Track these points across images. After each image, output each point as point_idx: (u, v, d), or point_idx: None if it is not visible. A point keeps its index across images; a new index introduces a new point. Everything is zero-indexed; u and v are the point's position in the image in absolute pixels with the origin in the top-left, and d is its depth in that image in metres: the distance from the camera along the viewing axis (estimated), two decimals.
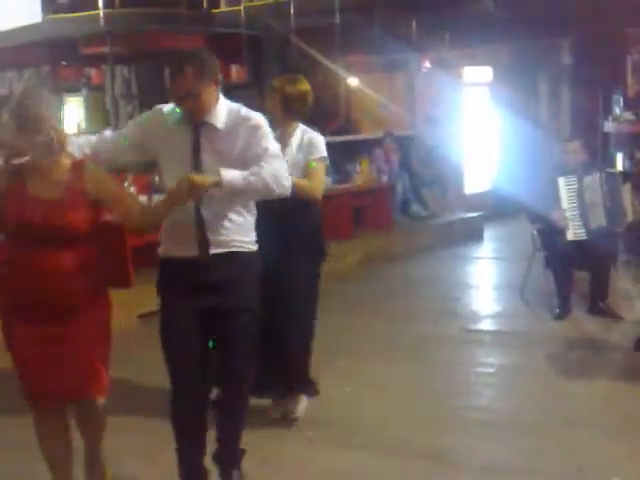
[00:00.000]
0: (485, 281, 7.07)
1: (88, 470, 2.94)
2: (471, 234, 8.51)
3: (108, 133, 3.08)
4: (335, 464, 3.37)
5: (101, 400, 2.80)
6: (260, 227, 2.98)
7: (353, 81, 9.75)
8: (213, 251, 2.81)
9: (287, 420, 3.74)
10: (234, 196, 2.79)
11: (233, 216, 2.84)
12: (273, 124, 3.29)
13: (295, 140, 3.64)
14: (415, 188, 8.53)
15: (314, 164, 3.62)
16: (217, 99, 2.83)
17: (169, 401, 2.90)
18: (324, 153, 3.68)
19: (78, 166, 2.71)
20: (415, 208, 8.49)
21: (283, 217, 3.47)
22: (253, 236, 2.94)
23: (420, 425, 3.70)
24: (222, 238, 2.83)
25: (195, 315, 2.82)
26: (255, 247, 2.94)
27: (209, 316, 2.83)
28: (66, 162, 2.70)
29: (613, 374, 4.32)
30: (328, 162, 3.78)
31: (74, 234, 2.66)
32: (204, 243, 2.81)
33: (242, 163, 2.78)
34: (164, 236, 2.91)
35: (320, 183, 3.66)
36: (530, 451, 3.38)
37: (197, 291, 2.81)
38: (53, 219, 2.62)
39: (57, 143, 2.63)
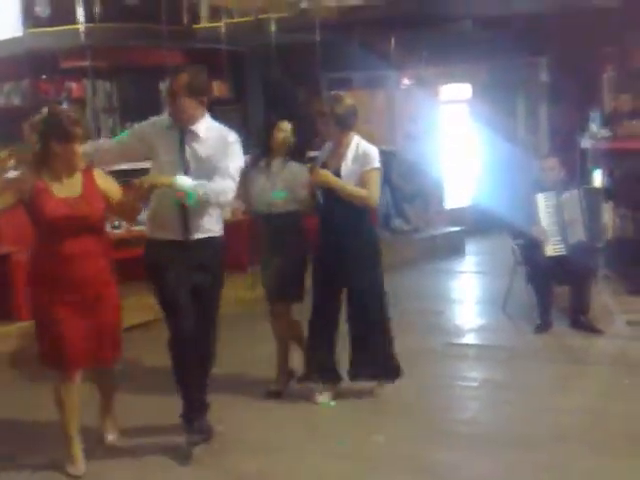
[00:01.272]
0: (468, 295, 7.14)
1: (104, 418, 3.71)
2: (453, 248, 8.59)
3: (105, 141, 3.83)
4: (320, 473, 3.38)
5: (117, 366, 3.68)
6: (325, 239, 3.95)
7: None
8: (196, 236, 3.47)
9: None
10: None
11: (210, 210, 3.49)
12: (328, 141, 4.10)
13: (350, 153, 3.97)
14: (397, 203, 8.59)
15: (368, 174, 3.94)
16: (203, 115, 3.50)
17: (170, 345, 3.54)
18: (377, 164, 3.99)
19: (88, 169, 3.41)
20: (397, 223, 8.54)
21: (347, 223, 3.97)
22: (221, 223, 3.61)
23: (405, 439, 3.73)
24: (202, 225, 3.48)
25: (182, 284, 3.46)
26: (222, 232, 3.61)
27: (193, 284, 3.50)
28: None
29: (595, 388, 4.39)
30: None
31: (96, 222, 3.37)
32: (188, 229, 3.46)
33: (211, 169, 3.41)
34: (151, 219, 3.59)
35: (376, 191, 3.99)
36: (513, 465, 3.41)
37: (183, 268, 3.45)
38: (80, 211, 3.28)
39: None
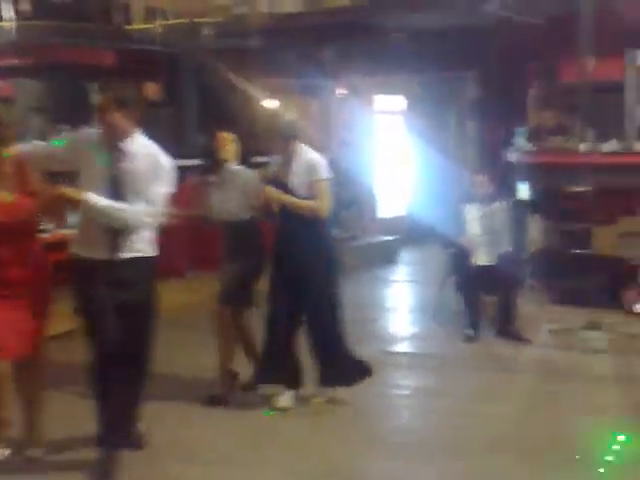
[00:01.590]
0: (401, 304, 7.29)
1: (27, 431, 3.66)
2: (387, 257, 8.75)
3: (41, 146, 3.71)
4: None
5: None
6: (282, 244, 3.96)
7: (270, 104, 9.84)
8: (122, 255, 3.38)
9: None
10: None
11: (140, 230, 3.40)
12: (276, 153, 4.15)
13: (297, 163, 4.05)
14: (333, 210, 8.66)
15: (318, 185, 4.02)
16: (134, 130, 3.43)
17: (88, 363, 3.47)
18: (326, 174, 4.07)
19: (20, 168, 3.40)
20: (334, 230, 8.61)
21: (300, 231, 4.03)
22: (154, 243, 3.51)
23: (339, 448, 3.78)
24: (129, 244, 3.39)
25: (106, 306, 3.37)
26: (154, 253, 3.51)
27: (119, 304, 3.40)
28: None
29: (521, 396, 4.57)
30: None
31: (27, 226, 3.42)
32: (114, 248, 3.37)
33: (137, 190, 3.35)
34: (78, 235, 3.51)
35: (326, 202, 4.07)
36: (442, 472, 3.51)
37: (106, 287, 3.36)
38: (12, 216, 3.30)
39: None
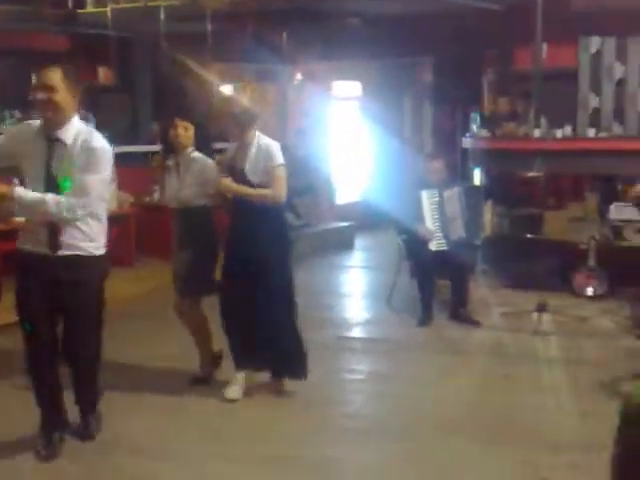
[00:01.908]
0: (356, 289, 7.32)
1: None
2: (342, 243, 8.77)
3: None
4: (206, 476, 3.38)
5: None
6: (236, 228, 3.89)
7: (226, 89, 9.75)
8: (61, 252, 3.28)
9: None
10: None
11: (81, 225, 3.28)
12: (232, 141, 4.11)
13: (253, 149, 4.00)
14: (288, 198, 8.63)
15: (273, 171, 3.98)
16: (72, 114, 3.27)
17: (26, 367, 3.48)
18: (281, 160, 4.02)
19: None
20: (288, 217, 8.60)
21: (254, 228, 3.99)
22: (100, 241, 3.39)
23: (292, 435, 3.79)
24: (70, 242, 3.28)
25: (44, 302, 3.34)
26: (100, 251, 3.40)
27: (56, 306, 3.38)
28: None
29: (472, 379, 4.62)
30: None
31: None
32: (54, 244, 3.27)
33: (73, 179, 3.21)
34: (22, 229, 3.41)
35: (282, 188, 4.02)
36: (396, 455, 3.55)
37: (46, 283, 3.30)
38: None
39: None
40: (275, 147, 4.05)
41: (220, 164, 4.19)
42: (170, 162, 4.27)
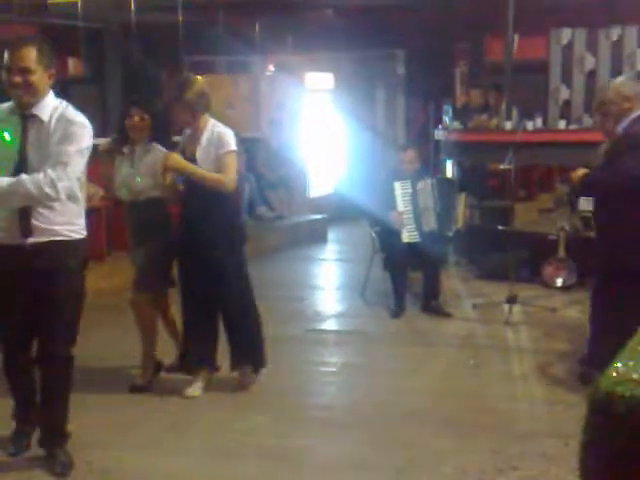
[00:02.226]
0: (329, 282, 7.30)
1: None
2: (316, 236, 8.75)
3: None
4: (173, 469, 3.35)
5: None
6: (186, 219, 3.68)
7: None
8: (35, 239, 3.02)
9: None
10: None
11: (57, 206, 3.02)
12: (183, 128, 3.97)
13: (206, 135, 3.89)
14: (261, 190, 8.62)
15: (224, 158, 3.87)
16: (48, 91, 3.05)
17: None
18: (233, 146, 3.91)
19: None
20: (261, 210, 8.58)
21: (204, 209, 3.87)
22: (78, 223, 3.14)
23: (263, 426, 3.77)
24: (45, 226, 3.03)
25: (18, 299, 3.10)
26: (79, 235, 3.15)
27: (32, 298, 3.11)
28: None
29: (443, 369, 4.64)
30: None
31: None
32: (27, 229, 3.01)
33: (47, 156, 2.96)
34: None
35: (232, 175, 3.90)
36: (368, 446, 3.55)
37: (19, 276, 3.06)
38: None
39: None
40: (229, 134, 3.93)
41: (165, 156, 3.98)
42: (125, 150, 4.11)
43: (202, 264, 4.00)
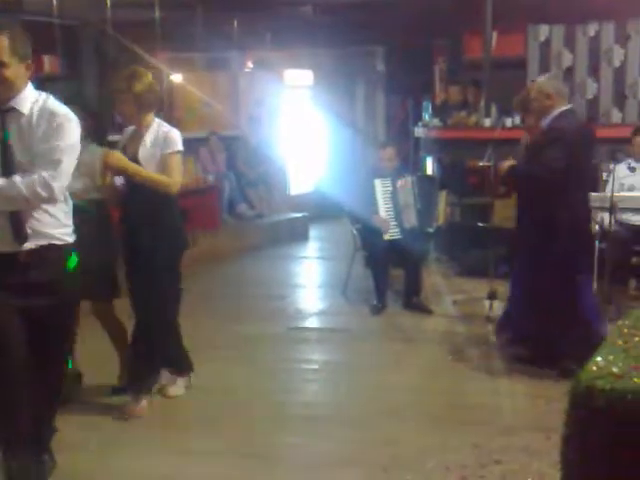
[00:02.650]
0: (310, 280, 7.29)
1: None
2: (296, 234, 8.74)
3: None
4: (157, 468, 3.32)
5: None
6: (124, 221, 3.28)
7: (176, 78, 9.59)
8: (31, 244, 2.80)
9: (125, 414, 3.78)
10: None
11: (49, 207, 2.81)
12: (127, 122, 3.70)
13: (150, 135, 3.69)
14: (241, 188, 8.59)
15: (169, 158, 3.68)
16: (26, 84, 2.81)
17: None
18: (180, 147, 3.72)
19: None
20: (242, 208, 8.55)
21: (146, 212, 3.66)
22: (70, 225, 2.94)
23: (245, 424, 3.76)
24: (40, 229, 2.81)
25: (12, 311, 2.80)
26: (72, 238, 2.94)
27: (27, 311, 2.83)
28: None
29: (426, 366, 4.65)
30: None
31: None
32: (21, 235, 2.78)
33: (33, 154, 2.74)
34: None
35: (178, 176, 3.72)
36: (351, 443, 3.55)
37: (12, 287, 2.79)
38: None
39: None
40: (176, 134, 3.72)
41: (106, 154, 3.76)
42: None
43: (139, 272, 3.76)
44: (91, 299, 3.97)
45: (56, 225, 2.86)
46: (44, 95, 2.84)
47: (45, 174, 2.73)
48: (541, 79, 4.54)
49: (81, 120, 3.10)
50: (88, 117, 3.79)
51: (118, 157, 3.66)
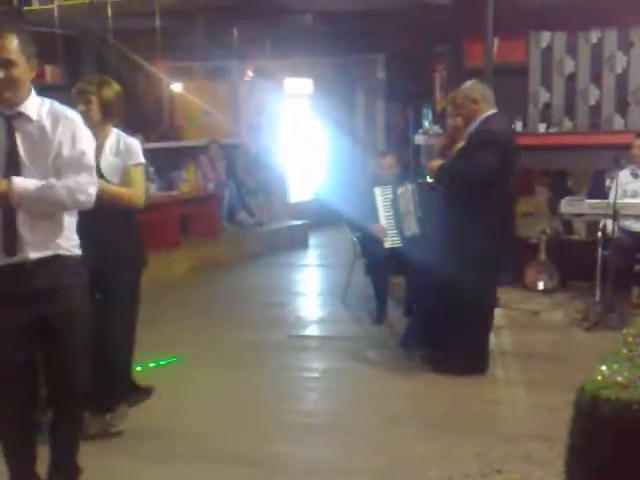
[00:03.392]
0: (310, 288, 7.26)
1: None
2: (296, 242, 8.72)
3: None
4: (159, 476, 3.30)
5: None
6: (81, 236, 2.82)
7: (177, 87, 9.61)
8: (40, 254, 2.64)
9: (107, 434, 3.62)
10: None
11: (56, 217, 2.68)
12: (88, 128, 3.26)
13: (109, 144, 3.55)
14: (241, 196, 8.59)
15: (133, 171, 3.53)
16: (31, 89, 2.68)
17: None
18: (142, 159, 3.60)
19: None
20: (241, 216, 8.54)
21: (102, 226, 3.36)
22: (76, 237, 2.78)
23: (245, 432, 3.72)
24: (47, 237, 2.67)
25: (16, 329, 2.65)
26: (79, 250, 2.79)
27: (34, 329, 2.68)
28: None
29: (424, 372, 4.59)
30: (150, 168, 3.71)
31: None
32: (13, 246, 2.62)
33: (55, 163, 2.62)
34: None
35: (141, 190, 3.58)
36: (350, 451, 3.51)
37: (15, 303, 2.63)
38: None
39: None
40: (137, 144, 3.60)
41: None
42: None
43: (95, 287, 3.38)
44: None
45: (64, 235, 2.72)
46: (46, 99, 2.73)
47: (81, 179, 2.65)
48: (466, 84, 4.54)
49: None
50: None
51: None
